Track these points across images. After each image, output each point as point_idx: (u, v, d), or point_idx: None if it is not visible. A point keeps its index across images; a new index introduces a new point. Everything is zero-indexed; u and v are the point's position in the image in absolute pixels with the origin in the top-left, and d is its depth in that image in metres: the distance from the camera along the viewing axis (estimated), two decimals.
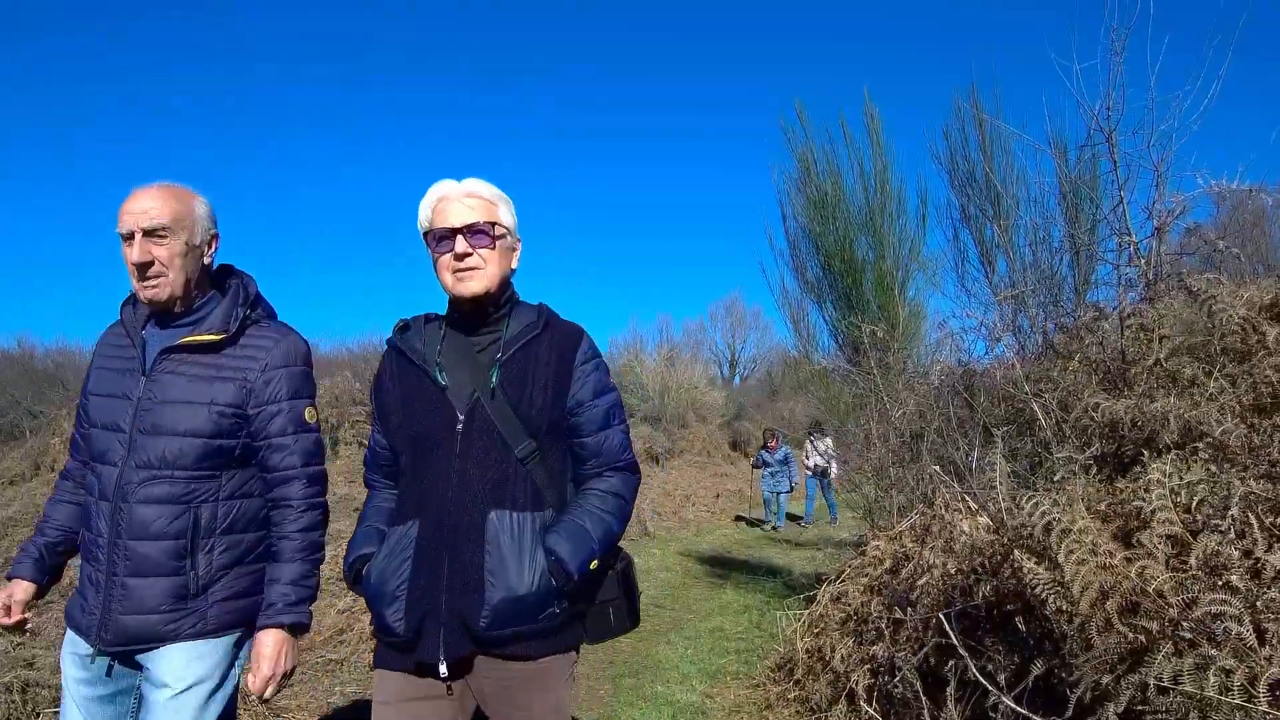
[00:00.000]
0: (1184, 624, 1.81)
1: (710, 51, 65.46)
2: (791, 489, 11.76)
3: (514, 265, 1.71)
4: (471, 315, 1.67)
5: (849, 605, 3.77)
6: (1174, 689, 1.73)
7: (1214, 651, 1.72)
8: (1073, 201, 5.30)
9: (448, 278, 1.62)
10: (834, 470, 11.70)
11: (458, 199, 1.63)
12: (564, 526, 1.58)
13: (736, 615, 6.06)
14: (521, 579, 1.51)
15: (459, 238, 1.59)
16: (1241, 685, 1.64)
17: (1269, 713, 1.60)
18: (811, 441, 12.03)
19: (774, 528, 11.40)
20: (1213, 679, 1.68)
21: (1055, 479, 2.77)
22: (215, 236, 1.83)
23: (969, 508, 3.21)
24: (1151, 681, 1.77)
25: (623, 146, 67.47)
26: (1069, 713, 1.97)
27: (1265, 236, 5.72)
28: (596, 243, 63.64)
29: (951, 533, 3.04)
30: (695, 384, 25.42)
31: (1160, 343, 2.90)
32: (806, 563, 8.00)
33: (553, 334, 1.68)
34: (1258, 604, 1.77)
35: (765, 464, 11.66)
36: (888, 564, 3.65)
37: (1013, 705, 2.18)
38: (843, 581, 4.03)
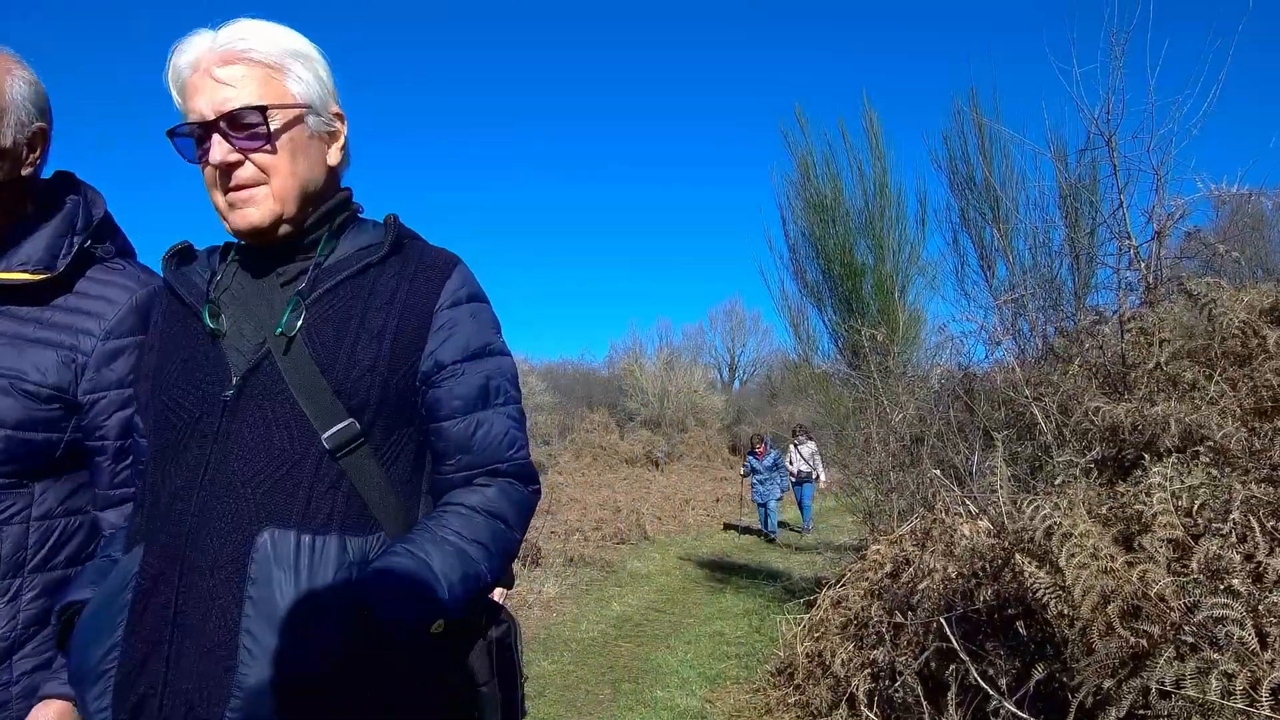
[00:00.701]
0: (1186, 628, 1.81)
1: (710, 55, 65.71)
2: (782, 495, 11.44)
3: (334, 161, 1.10)
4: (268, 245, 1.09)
5: (849, 609, 3.76)
6: (1176, 693, 1.73)
7: (1216, 656, 1.72)
8: (1072, 205, 5.31)
9: (219, 200, 1.03)
10: (820, 476, 11.53)
11: (210, 67, 1.00)
12: (392, 559, 0.96)
13: (736, 619, 6.05)
14: (305, 646, 0.90)
15: (215, 137, 0.99)
16: (1244, 689, 1.64)
17: (1271, 717, 1.59)
18: (795, 446, 11.73)
19: (768, 536, 11.10)
20: (1215, 683, 1.67)
21: (1056, 483, 2.77)
22: (43, 133, 1.20)
23: (969, 512, 3.20)
24: (1153, 686, 1.76)
25: (623, 150, 67.68)
26: (1070, 717, 1.96)
27: (1265, 240, 5.73)
28: (596, 246, 63.81)
29: (952, 537, 3.03)
30: (695, 388, 25.48)
31: (1160, 346, 2.89)
32: (806, 567, 8.00)
33: (406, 262, 1.08)
34: (1259, 608, 1.76)
35: (754, 471, 11.35)
36: (888, 568, 3.65)
37: (1014, 710, 2.17)
38: (843, 585, 4.02)
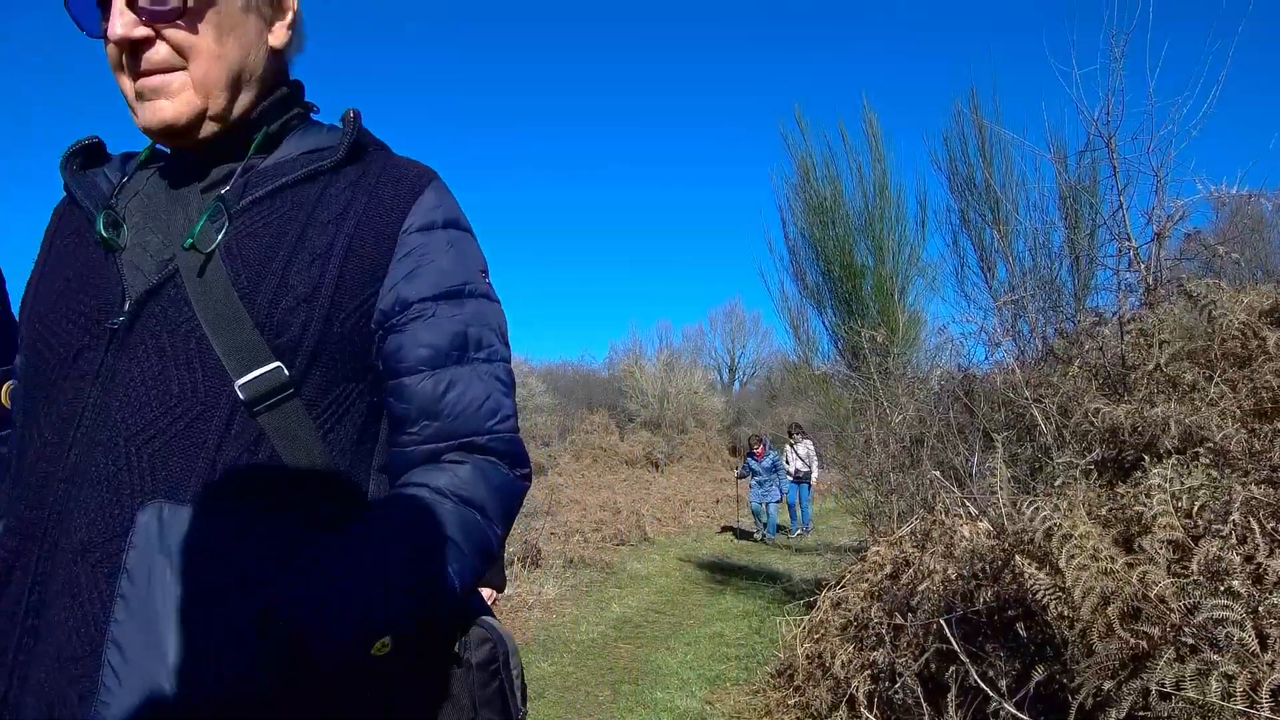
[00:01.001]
0: (1186, 629, 1.81)
1: (710, 56, 65.83)
2: (781, 497, 11.07)
3: (278, 43, 0.86)
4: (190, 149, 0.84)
5: (849, 611, 3.75)
6: (1176, 695, 1.73)
7: (1216, 657, 1.71)
8: (1072, 206, 5.32)
9: (125, 87, 0.80)
10: (814, 475, 11.31)
11: None
12: (320, 551, 0.72)
13: (736, 621, 6.05)
14: (192, 671, 0.67)
15: (117, 3, 0.76)
16: (1244, 691, 1.64)
17: (1272, 718, 1.59)
18: (791, 446, 11.42)
19: (764, 539, 10.82)
20: (1215, 685, 1.67)
21: (1056, 484, 2.77)
22: None
23: (969, 513, 3.20)
24: (1153, 687, 1.76)
25: (623, 151, 67.79)
26: (1070, 719, 1.96)
27: (1264, 241, 5.74)
28: (596, 247, 63.89)
29: (952, 538, 3.03)
30: (695, 389, 25.49)
31: (1160, 348, 2.90)
32: (806, 568, 7.99)
33: (366, 172, 0.85)
34: (1260, 609, 1.76)
35: (752, 472, 10.99)
36: (888, 569, 3.64)
37: (1014, 711, 2.17)
38: (843, 587, 4.01)
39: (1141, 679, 1.81)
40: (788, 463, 11.29)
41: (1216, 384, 2.59)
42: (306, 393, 0.77)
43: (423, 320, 0.82)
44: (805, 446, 11.37)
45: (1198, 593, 1.85)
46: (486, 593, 2.41)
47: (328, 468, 0.78)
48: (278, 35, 0.86)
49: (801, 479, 11.31)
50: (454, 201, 0.89)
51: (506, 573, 7.34)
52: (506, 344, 0.89)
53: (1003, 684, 2.33)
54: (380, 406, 0.84)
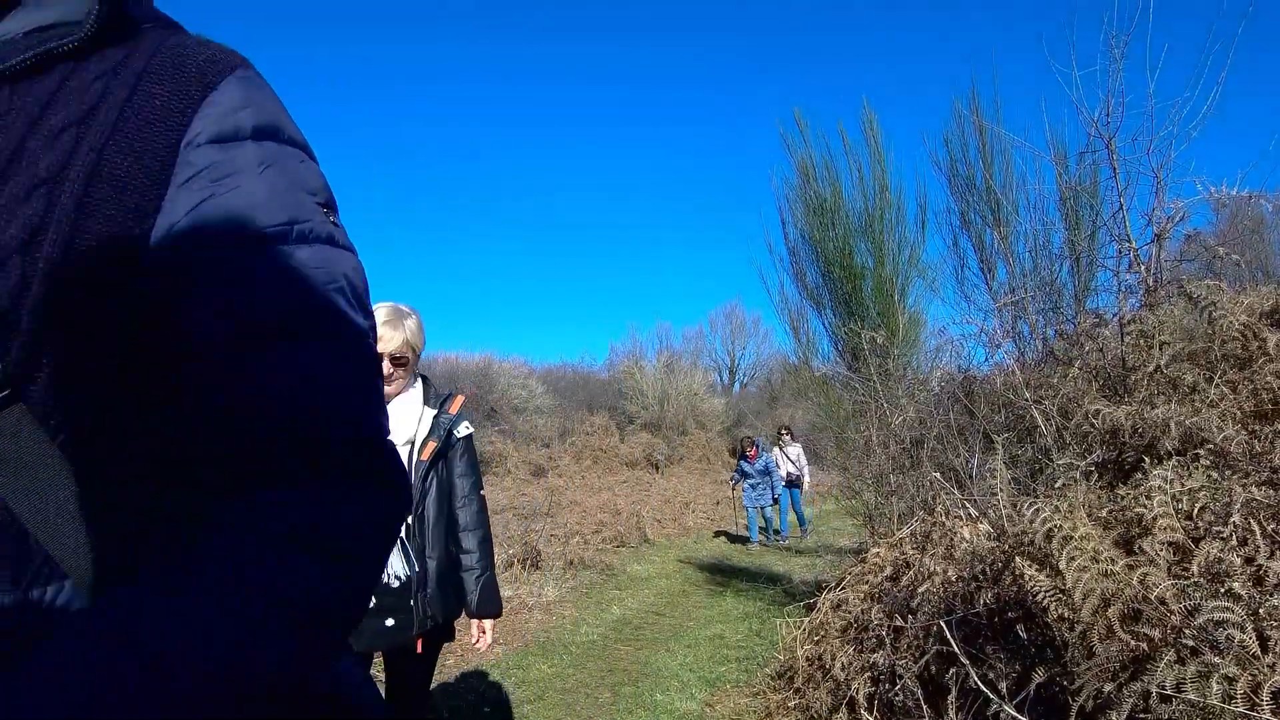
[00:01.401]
0: (1186, 631, 1.80)
1: (711, 58, 65.94)
2: (775, 500, 10.72)
3: None
4: None
5: (849, 613, 3.75)
6: (1177, 697, 1.72)
7: (1217, 659, 1.71)
8: (1073, 208, 5.33)
9: None
10: (806, 479, 11.13)
11: None
12: (73, 658, 0.40)
13: (736, 623, 6.04)
14: None
15: None
16: (1244, 693, 1.63)
17: None
18: (781, 448, 11.16)
19: (762, 543, 10.56)
20: (1215, 687, 1.67)
21: (1056, 486, 2.76)
22: None
23: (969, 514, 3.20)
24: (1154, 689, 1.76)
25: (623, 153, 67.88)
26: None
27: (1264, 243, 5.75)
28: (596, 249, 63.94)
29: (952, 540, 3.03)
30: (695, 391, 25.52)
31: (1160, 349, 2.89)
32: (806, 570, 7.99)
33: (132, 55, 0.55)
34: (1260, 611, 1.76)
35: (745, 475, 10.65)
36: (888, 571, 3.64)
37: (1014, 714, 2.16)
38: (843, 589, 4.01)
39: (1142, 681, 1.81)
40: (778, 465, 11.00)
41: (1217, 385, 2.58)
42: (35, 394, 0.49)
43: (217, 274, 0.53)
44: (795, 449, 11.19)
45: (1198, 594, 1.85)
46: (489, 624, 2.37)
47: (76, 509, 0.50)
48: None
49: (793, 482, 11.10)
50: (273, 100, 0.59)
51: (506, 573, 7.30)
52: (365, 309, 0.59)
53: (1003, 686, 2.32)
54: (162, 409, 0.54)
